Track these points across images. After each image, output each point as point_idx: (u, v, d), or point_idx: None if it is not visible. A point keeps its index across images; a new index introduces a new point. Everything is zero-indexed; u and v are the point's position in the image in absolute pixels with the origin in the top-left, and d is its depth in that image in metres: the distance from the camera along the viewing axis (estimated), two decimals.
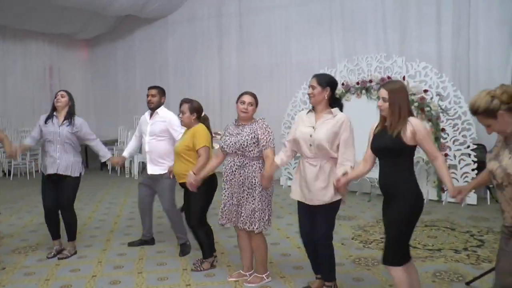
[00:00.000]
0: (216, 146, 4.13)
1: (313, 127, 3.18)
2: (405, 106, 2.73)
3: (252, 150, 3.46)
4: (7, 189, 8.22)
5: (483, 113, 2.10)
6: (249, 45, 9.55)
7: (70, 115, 4.34)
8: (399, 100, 2.73)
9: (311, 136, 3.16)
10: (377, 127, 2.89)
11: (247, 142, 3.44)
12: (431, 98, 6.53)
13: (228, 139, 3.54)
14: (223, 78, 10.02)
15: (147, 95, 4.65)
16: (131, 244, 4.77)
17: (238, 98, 3.57)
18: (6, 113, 10.04)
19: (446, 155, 6.36)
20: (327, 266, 3.35)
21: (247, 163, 3.49)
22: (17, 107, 10.08)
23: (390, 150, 2.75)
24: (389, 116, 2.75)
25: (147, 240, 4.81)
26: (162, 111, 4.62)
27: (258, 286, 3.65)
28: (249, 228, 3.51)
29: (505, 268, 2.17)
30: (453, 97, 6.48)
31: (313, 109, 3.27)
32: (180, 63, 10.64)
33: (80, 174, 4.43)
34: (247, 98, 3.52)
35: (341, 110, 3.25)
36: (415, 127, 2.68)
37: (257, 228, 3.49)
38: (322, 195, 3.14)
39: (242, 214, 3.52)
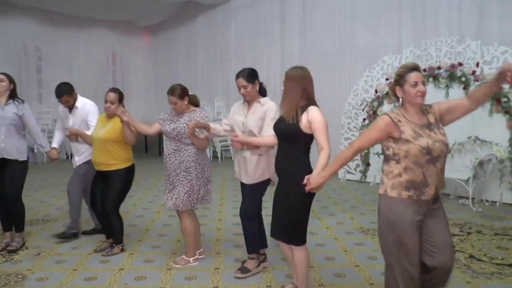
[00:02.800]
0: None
1: (245, 116, 3.50)
2: (298, 93, 2.87)
3: (187, 137, 3.65)
4: None
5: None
6: (312, 30, 9.05)
7: (13, 97, 4.20)
8: (291, 87, 2.89)
9: (243, 124, 3.48)
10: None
11: (184, 129, 3.65)
12: (510, 88, 5.73)
13: (168, 125, 3.76)
14: (284, 64, 9.60)
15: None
16: (85, 233, 4.73)
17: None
18: None
19: None
20: (247, 240, 3.66)
21: (182, 147, 3.71)
22: (81, 93, 10.31)
23: (286, 134, 2.94)
24: (283, 102, 2.96)
25: (99, 229, 4.60)
26: (79, 102, 4.47)
27: (184, 267, 3.84)
28: (176, 207, 3.72)
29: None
30: None
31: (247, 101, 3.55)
32: (242, 49, 10.40)
33: (28, 158, 4.29)
34: (171, 99, 3.72)
35: (265, 93, 3.57)
36: (312, 116, 2.82)
37: (182, 207, 3.71)
38: (252, 174, 3.48)
39: (173, 196, 3.72)
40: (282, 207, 2.96)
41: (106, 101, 3.98)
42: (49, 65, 10.39)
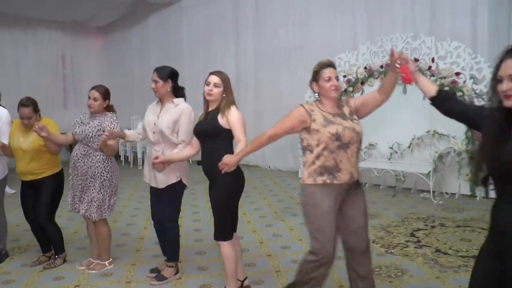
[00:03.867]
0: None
1: (157, 116, 3.44)
2: (228, 93, 3.06)
3: (96, 142, 3.58)
4: None
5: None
6: (266, 27, 8.94)
7: None
8: (230, 88, 3.07)
9: (155, 124, 3.43)
10: (202, 114, 3.16)
11: (92, 133, 3.58)
12: (464, 82, 5.85)
13: (78, 127, 3.68)
14: (239, 63, 9.48)
15: None
16: None
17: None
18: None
19: None
20: (170, 247, 3.59)
21: (91, 152, 3.64)
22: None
23: (208, 133, 3.03)
24: (219, 100, 3.05)
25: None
26: None
27: (100, 273, 3.77)
28: (89, 216, 3.65)
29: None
30: (489, 80, 5.75)
31: (160, 99, 3.51)
32: (195, 48, 10.14)
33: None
34: (93, 94, 3.64)
35: (184, 98, 3.53)
36: (228, 113, 2.97)
37: (95, 217, 3.63)
38: (162, 177, 3.41)
39: (84, 202, 3.66)
40: (212, 205, 3.07)
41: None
42: None
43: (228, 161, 2.73)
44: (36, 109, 3.77)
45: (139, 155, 9.51)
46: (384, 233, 4.63)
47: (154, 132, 3.43)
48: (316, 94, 2.67)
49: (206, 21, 9.92)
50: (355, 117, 2.64)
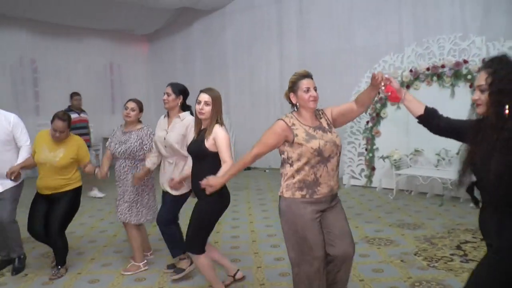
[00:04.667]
0: None
1: (166, 131, 3.64)
2: (216, 112, 3.08)
3: (139, 154, 3.83)
4: None
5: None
6: (310, 31, 8.83)
7: None
8: (218, 107, 3.09)
9: (164, 139, 3.62)
10: (196, 132, 3.19)
11: (136, 148, 3.80)
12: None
13: (118, 148, 3.84)
14: (283, 67, 9.41)
15: None
16: None
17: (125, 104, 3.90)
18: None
19: None
20: (169, 245, 3.77)
21: (137, 164, 3.88)
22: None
23: (196, 153, 3.09)
24: (208, 120, 3.09)
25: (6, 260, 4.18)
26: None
27: (134, 277, 3.84)
28: (147, 221, 3.96)
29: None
30: None
31: (168, 113, 3.71)
32: (240, 54, 10.17)
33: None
34: (130, 104, 3.84)
35: (191, 113, 3.66)
36: (215, 135, 3.00)
37: (151, 220, 3.96)
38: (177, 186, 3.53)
39: (141, 211, 3.89)
40: (193, 219, 3.13)
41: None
42: (46, 77, 10.20)
43: (213, 183, 2.72)
44: (69, 125, 3.87)
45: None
46: (427, 244, 4.38)
47: (165, 147, 3.64)
48: (295, 105, 2.64)
49: (250, 26, 9.93)
50: (333, 129, 2.65)
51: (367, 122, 7.17)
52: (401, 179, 6.67)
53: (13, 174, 3.77)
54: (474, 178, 1.90)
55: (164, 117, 3.76)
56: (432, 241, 4.48)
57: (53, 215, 3.88)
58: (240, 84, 9.96)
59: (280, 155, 2.64)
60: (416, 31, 7.10)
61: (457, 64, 5.97)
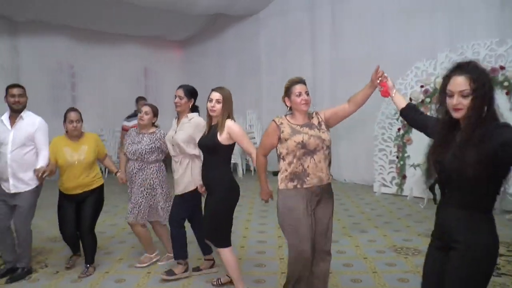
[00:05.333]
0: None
1: (175, 131, 3.79)
2: (228, 109, 3.30)
3: (148, 157, 4.00)
4: None
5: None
6: (342, 37, 8.76)
7: None
8: (229, 104, 3.30)
9: (173, 138, 3.76)
10: (206, 128, 3.41)
11: (146, 151, 3.99)
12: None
13: (130, 147, 4.05)
14: (315, 73, 9.36)
15: (13, 95, 3.91)
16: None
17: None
18: (104, 114, 10.51)
19: None
20: (174, 245, 3.86)
21: (145, 166, 4.04)
22: (114, 108, 10.42)
23: (208, 147, 3.29)
24: (219, 117, 3.28)
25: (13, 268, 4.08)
26: (27, 114, 4.02)
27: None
28: (164, 222, 4.12)
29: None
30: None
31: (177, 115, 3.88)
32: (273, 59, 10.19)
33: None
34: (145, 108, 4.07)
35: (199, 113, 3.85)
36: (229, 129, 3.22)
37: (163, 221, 4.12)
38: (183, 186, 3.74)
39: (157, 211, 4.09)
40: (208, 214, 3.34)
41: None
42: (83, 82, 10.54)
43: (266, 196, 3.16)
44: (81, 116, 4.06)
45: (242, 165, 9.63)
46: None
47: (173, 145, 3.78)
48: (289, 108, 2.94)
49: (283, 32, 9.94)
50: (323, 126, 2.91)
51: (399, 129, 7.05)
52: None
53: (43, 173, 3.76)
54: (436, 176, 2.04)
55: (176, 119, 3.92)
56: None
57: (83, 214, 4.05)
58: (272, 90, 9.96)
59: (276, 153, 2.94)
60: (450, 36, 6.93)
61: (493, 70, 5.80)
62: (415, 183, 6.79)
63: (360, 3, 8.39)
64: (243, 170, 9.34)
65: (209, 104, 3.30)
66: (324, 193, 2.89)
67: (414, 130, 6.85)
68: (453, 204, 2.00)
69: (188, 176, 3.73)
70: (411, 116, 2.46)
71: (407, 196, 6.93)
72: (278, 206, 2.88)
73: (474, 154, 1.83)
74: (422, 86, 6.67)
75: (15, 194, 3.90)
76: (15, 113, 3.95)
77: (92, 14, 9.55)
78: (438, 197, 2.13)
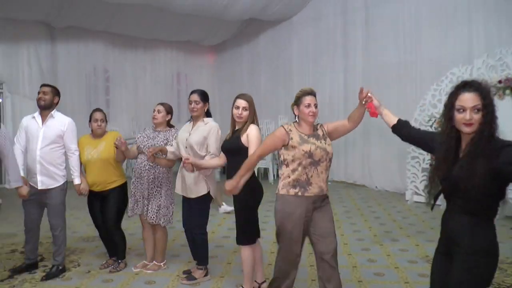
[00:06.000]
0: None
1: (189, 133, 3.83)
2: (252, 114, 3.46)
3: (162, 155, 3.97)
4: None
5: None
6: (375, 42, 8.66)
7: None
8: (253, 109, 3.47)
9: (186, 140, 3.80)
10: (230, 132, 3.55)
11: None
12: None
13: (145, 142, 4.08)
14: (347, 79, 9.29)
15: (39, 92, 4.08)
16: (15, 271, 4.14)
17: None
18: (137, 118, 10.72)
19: None
20: (200, 252, 3.94)
21: (157, 164, 4.03)
22: (147, 112, 10.59)
23: (232, 150, 3.44)
24: (244, 121, 3.44)
25: (32, 264, 4.24)
26: (57, 114, 4.16)
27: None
28: (156, 222, 4.05)
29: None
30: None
31: (191, 118, 3.94)
32: (305, 65, 10.17)
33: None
34: (158, 107, 4.18)
35: (210, 115, 3.97)
36: (249, 131, 3.38)
37: (162, 223, 4.07)
38: (193, 189, 3.80)
39: (151, 209, 4.04)
40: (236, 214, 3.51)
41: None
42: (116, 86, 10.78)
43: (230, 187, 3.07)
44: (105, 116, 4.26)
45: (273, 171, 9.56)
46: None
47: (186, 147, 3.82)
48: (296, 116, 3.01)
49: (316, 37, 9.92)
50: (327, 140, 2.98)
51: None
52: None
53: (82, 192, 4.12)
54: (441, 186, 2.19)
55: (189, 122, 3.97)
56: (501, 266, 4.19)
57: (107, 211, 4.19)
58: None
59: (279, 158, 3.02)
60: (488, 41, 6.75)
61: None
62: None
63: (395, 7, 8.28)
64: (274, 176, 9.30)
65: (236, 111, 3.43)
66: (321, 202, 2.97)
67: None
68: (457, 211, 2.14)
69: (201, 181, 3.80)
70: (405, 131, 2.51)
71: (440, 205, 6.74)
72: (276, 210, 2.97)
73: (483, 166, 1.97)
74: None
75: (44, 192, 4.02)
76: (42, 109, 4.08)
77: (127, 20, 9.80)
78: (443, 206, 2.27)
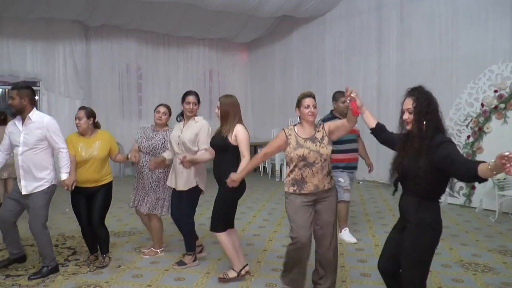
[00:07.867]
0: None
1: (181, 131, 4.18)
2: (234, 114, 3.75)
3: (161, 152, 4.37)
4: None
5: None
6: (410, 39, 8.43)
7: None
8: (233, 109, 3.76)
9: (179, 137, 4.14)
10: (218, 129, 3.86)
11: (158, 146, 4.39)
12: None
13: (144, 142, 4.43)
14: (381, 76, 9.09)
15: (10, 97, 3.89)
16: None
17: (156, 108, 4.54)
18: None
19: None
20: (187, 240, 4.27)
21: None
22: (179, 109, 10.69)
23: (219, 146, 3.75)
24: (224, 120, 3.77)
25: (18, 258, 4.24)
26: (36, 115, 3.93)
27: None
28: (155, 213, 4.42)
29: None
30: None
31: (183, 117, 4.30)
32: (338, 62, 10.00)
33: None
34: (161, 109, 4.46)
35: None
36: (236, 132, 3.69)
37: (160, 213, 4.44)
38: (183, 182, 4.13)
39: (147, 202, 4.42)
40: (214, 204, 3.79)
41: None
42: (149, 83, 10.90)
43: (235, 178, 3.48)
44: (89, 116, 4.21)
45: (277, 167, 9.71)
46: None
47: (178, 144, 4.15)
48: (298, 117, 3.37)
49: (349, 34, 9.75)
50: (324, 141, 3.29)
51: (468, 137, 6.67)
52: (505, 201, 6.10)
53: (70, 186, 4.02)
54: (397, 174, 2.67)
55: (180, 121, 4.32)
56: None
57: (93, 207, 4.26)
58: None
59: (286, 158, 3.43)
60: None
61: None
62: (486, 194, 6.39)
63: (431, 2, 8.06)
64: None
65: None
66: (322, 194, 3.32)
67: (485, 139, 6.51)
68: (408, 194, 2.64)
69: (192, 174, 4.12)
70: (383, 136, 2.92)
71: (475, 208, 6.54)
72: (285, 205, 3.42)
73: (424, 161, 2.45)
74: (496, 91, 6.28)
75: (27, 195, 3.90)
76: (17, 115, 3.94)
77: (160, 18, 9.89)
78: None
